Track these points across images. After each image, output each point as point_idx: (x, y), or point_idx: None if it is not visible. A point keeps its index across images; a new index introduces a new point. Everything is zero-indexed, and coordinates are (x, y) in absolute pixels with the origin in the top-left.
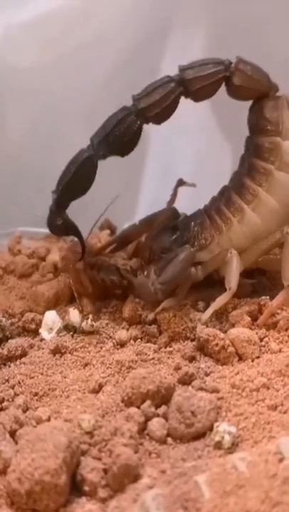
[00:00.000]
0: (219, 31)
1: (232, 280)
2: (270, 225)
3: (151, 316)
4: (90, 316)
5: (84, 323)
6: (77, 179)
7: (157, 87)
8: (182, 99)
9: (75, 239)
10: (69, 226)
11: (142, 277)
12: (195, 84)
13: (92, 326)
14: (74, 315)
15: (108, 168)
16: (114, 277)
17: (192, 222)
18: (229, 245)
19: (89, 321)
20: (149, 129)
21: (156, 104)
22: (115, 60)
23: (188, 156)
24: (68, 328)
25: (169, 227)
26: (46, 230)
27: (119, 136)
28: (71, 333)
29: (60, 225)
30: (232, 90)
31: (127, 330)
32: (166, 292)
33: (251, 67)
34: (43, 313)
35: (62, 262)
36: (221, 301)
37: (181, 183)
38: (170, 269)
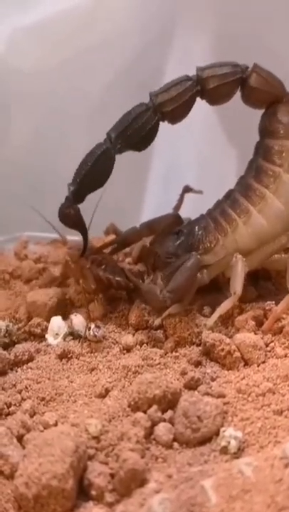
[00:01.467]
0: (224, 33)
1: (237, 285)
2: (275, 227)
3: (157, 322)
4: (93, 324)
5: (88, 333)
6: (94, 172)
7: (175, 84)
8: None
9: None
10: (78, 220)
11: (150, 284)
12: (211, 83)
13: (95, 336)
14: (77, 322)
15: (113, 172)
16: (120, 278)
17: (196, 227)
18: (234, 247)
19: (91, 331)
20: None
21: (173, 101)
22: (120, 63)
23: (193, 160)
24: (73, 335)
25: (173, 233)
26: (52, 235)
27: (136, 131)
28: (78, 340)
29: (71, 215)
30: (247, 93)
31: (133, 335)
32: (175, 300)
33: (267, 72)
34: (48, 319)
35: (66, 258)
36: (226, 305)
37: (187, 189)
38: (178, 277)
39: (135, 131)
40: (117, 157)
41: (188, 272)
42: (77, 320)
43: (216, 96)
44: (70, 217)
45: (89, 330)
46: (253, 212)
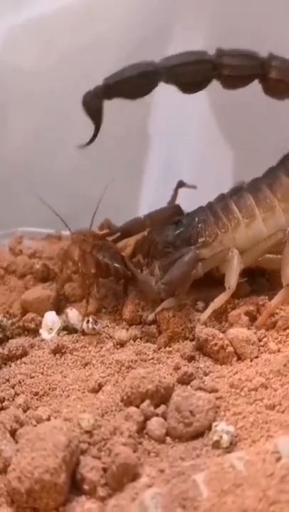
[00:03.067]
0: (222, 31)
1: (231, 279)
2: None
3: (151, 317)
4: (91, 317)
5: (85, 326)
6: (135, 82)
7: (244, 54)
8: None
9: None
10: (97, 111)
11: (147, 274)
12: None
13: (94, 329)
14: (73, 316)
15: (110, 167)
16: (118, 265)
17: (196, 219)
18: (232, 244)
19: (90, 324)
20: (151, 129)
21: (234, 69)
22: (118, 61)
23: (189, 157)
24: (68, 329)
25: (172, 222)
26: (47, 231)
27: (188, 73)
28: (72, 334)
29: (93, 105)
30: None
31: (127, 330)
32: (169, 293)
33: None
34: (42, 314)
35: (70, 241)
36: (220, 300)
37: (181, 184)
38: (174, 270)
39: (187, 73)
40: (114, 153)
41: (184, 267)
42: (73, 314)
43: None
44: (92, 106)
45: (87, 323)
46: (258, 218)
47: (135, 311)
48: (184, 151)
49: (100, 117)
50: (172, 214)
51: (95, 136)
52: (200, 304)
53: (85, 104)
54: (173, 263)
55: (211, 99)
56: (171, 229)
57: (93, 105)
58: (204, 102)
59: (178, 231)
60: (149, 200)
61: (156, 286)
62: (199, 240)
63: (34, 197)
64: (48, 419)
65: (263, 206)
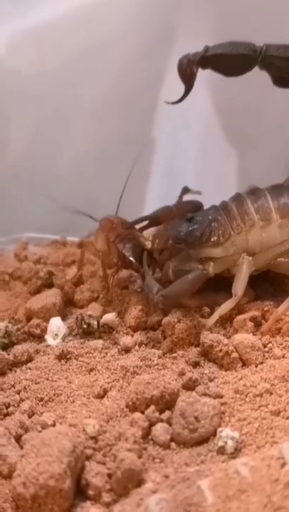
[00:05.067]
0: (225, 35)
1: (239, 287)
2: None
3: (154, 319)
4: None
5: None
6: (230, 59)
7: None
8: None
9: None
10: (190, 77)
11: (154, 276)
12: None
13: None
14: (109, 316)
15: (114, 168)
16: (133, 260)
17: (210, 217)
18: (244, 246)
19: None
20: (154, 132)
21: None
22: (119, 65)
23: (193, 158)
24: (104, 329)
25: (186, 219)
26: (53, 236)
27: (283, 66)
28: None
29: (188, 69)
30: None
31: (132, 336)
32: (166, 305)
33: None
34: (47, 320)
35: (100, 225)
36: (226, 307)
37: (186, 190)
38: (177, 285)
39: (283, 67)
40: (118, 154)
41: (188, 285)
42: (111, 315)
43: None
44: (186, 70)
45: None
46: (275, 223)
47: (140, 317)
48: (188, 154)
49: (191, 82)
50: (193, 209)
51: (183, 97)
52: (205, 310)
53: (179, 66)
54: (183, 273)
55: (215, 101)
56: (184, 225)
57: (187, 70)
58: (208, 104)
59: (191, 228)
60: (154, 204)
61: (156, 295)
62: (212, 239)
63: (39, 202)
64: (53, 424)
65: (283, 212)
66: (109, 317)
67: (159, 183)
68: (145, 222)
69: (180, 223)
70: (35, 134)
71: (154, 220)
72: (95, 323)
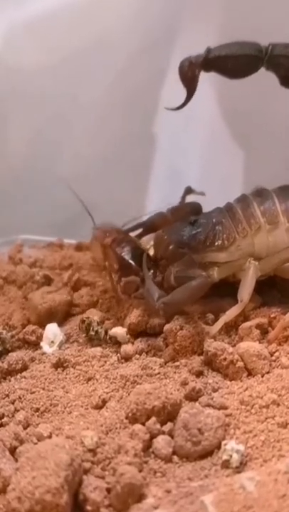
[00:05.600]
0: (232, 31)
1: (245, 292)
2: None
3: (155, 322)
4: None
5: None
6: (235, 60)
7: None
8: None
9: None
10: (192, 80)
11: (154, 282)
12: None
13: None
14: (119, 331)
15: (113, 171)
16: (132, 263)
17: (213, 220)
18: (250, 250)
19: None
20: (156, 131)
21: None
22: (121, 63)
23: (196, 159)
24: (112, 340)
25: (188, 222)
26: (49, 238)
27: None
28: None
29: (190, 73)
30: None
31: (132, 343)
32: (167, 313)
33: None
34: (43, 326)
35: (94, 234)
36: (231, 313)
37: (189, 191)
38: (179, 293)
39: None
40: (119, 155)
41: (191, 292)
42: (120, 329)
43: None
44: (188, 74)
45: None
46: (283, 226)
47: (140, 322)
48: (191, 153)
49: (193, 86)
50: (192, 211)
51: (185, 103)
52: (209, 316)
53: (181, 70)
54: (187, 280)
55: (220, 100)
56: (187, 229)
57: (189, 73)
58: (213, 103)
59: (194, 231)
60: (154, 206)
61: (157, 302)
62: (216, 243)
63: (35, 203)
64: (50, 436)
65: None
66: (119, 331)
67: (161, 184)
68: (139, 230)
69: (182, 226)
70: (34, 133)
71: (149, 226)
72: (103, 332)
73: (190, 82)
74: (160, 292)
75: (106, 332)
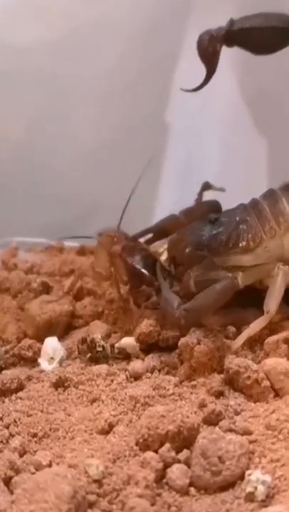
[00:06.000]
0: (245, 10)
1: (272, 302)
2: None
3: (168, 334)
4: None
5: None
6: (261, 34)
7: None
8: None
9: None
10: (213, 56)
11: (170, 292)
12: None
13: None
14: (129, 341)
15: (120, 164)
16: (145, 272)
17: (237, 218)
18: (279, 253)
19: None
20: (168, 119)
21: None
22: (129, 39)
23: (215, 149)
24: (120, 355)
25: (208, 221)
26: (47, 241)
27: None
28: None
29: (210, 48)
30: None
31: (143, 360)
32: (190, 322)
33: None
34: (41, 340)
35: (99, 241)
36: (256, 326)
37: (207, 186)
38: (202, 298)
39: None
40: (126, 146)
41: (215, 296)
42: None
43: None
44: (208, 49)
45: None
46: None
47: (150, 334)
48: (209, 144)
49: (214, 63)
50: (209, 211)
51: (205, 83)
52: (230, 329)
53: (200, 45)
54: (209, 283)
55: (242, 82)
56: (206, 229)
57: (209, 48)
58: (234, 85)
59: (215, 231)
60: (167, 203)
61: (177, 310)
62: (240, 245)
63: (32, 201)
64: (49, 465)
65: None
66: (129, 342)
67: (174, 179)
68: (148, 235)
69: (201, 226)
70: (29, 121)
71: (159, 231)
72: (108, 347)
73: (210, 59)
74: (179, 300)
75: (112, 346)
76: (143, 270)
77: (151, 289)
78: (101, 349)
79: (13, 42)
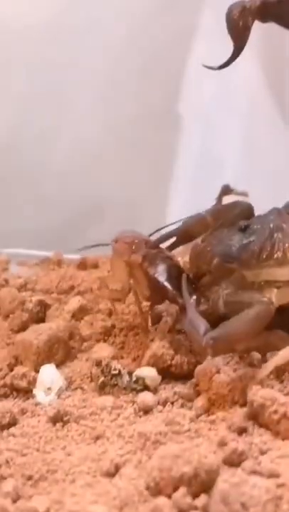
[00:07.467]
0: None
1: None
2: None
3: (181, 359)
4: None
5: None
6: None
7: None
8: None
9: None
10: (245, 31)
11: (196, 314)
12: None
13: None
14: (149, 372)
15: (126, 159)
16: (169, 285)
17: (271, 225)
18: None
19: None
20: (181, 110)
21: None
22: (137, 18)
23: (237, 144)
24: (138, 385)
25: (238, 228)
26: (43, 253)
27: None
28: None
29: (241, 22)
30: None
31: (154, 392)
32: (217, 351)
33: None
34: (36, 368)
35: (114, 248)
36: (286, 354)
37: (227, 191)
38: (234, 324)
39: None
40: (133, 140)
41: (248, 323)
42: (150, 369)
43: None
44: (238, 23)
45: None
46: None
47: (162, 357)
48: (229, 138)
49: (244, 40)
50: (240, 214)
51: (231, 60)
52: (255, 356)
53: (229, 18)
54: (241, 306)
55: (266, 66)
56: (236, 238)
57: (240, 22)
58: (257, 69)
59: (245, 241)
60: (179, 206)
61: (204, 337)
62: (274, 256)
63: (25, 206)
64: None
65: None
66: (150, 372)
67: (188, 179)
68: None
69: (230, 234)
70: (21, 113)
71: (183, 234)
72: (126, 374)
73: (240, 35)
74: (207, 324)
75: (130, 374)
76: (166, 283)
77: (173, 305)
78: (116, 375)
79: (6, 20)
